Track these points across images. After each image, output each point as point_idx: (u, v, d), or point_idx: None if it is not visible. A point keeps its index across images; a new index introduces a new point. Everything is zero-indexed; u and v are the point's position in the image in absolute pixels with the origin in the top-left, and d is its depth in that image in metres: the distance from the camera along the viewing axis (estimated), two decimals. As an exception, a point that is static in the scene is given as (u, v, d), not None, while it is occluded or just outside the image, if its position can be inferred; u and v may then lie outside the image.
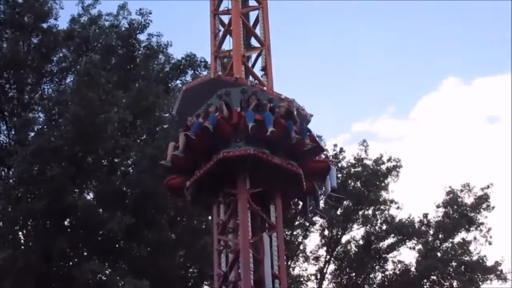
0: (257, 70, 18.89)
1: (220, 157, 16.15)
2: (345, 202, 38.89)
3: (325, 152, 17.84)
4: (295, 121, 16.71)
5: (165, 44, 34.86)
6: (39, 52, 33.76)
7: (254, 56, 19.29)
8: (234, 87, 17.15)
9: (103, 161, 31.17)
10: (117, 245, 30.14)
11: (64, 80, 34.60)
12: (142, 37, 34.49)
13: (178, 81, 35.25)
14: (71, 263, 29.70)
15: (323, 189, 17.91)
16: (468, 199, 39.99)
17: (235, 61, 18.37)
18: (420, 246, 39.37)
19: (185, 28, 66.24)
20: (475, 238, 39.48)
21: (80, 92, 28.89)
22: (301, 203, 19.78)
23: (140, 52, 34.52)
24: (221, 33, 19.50)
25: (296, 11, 67.78)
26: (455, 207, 39.68)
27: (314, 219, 28.04)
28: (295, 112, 16.96)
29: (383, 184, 39.33)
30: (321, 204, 22.03)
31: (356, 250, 39.84)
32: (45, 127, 31.21)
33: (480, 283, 38.49)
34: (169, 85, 34.62)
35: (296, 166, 16.74)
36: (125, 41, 33.90)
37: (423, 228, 39.41)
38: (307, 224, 36.77)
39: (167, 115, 32.25)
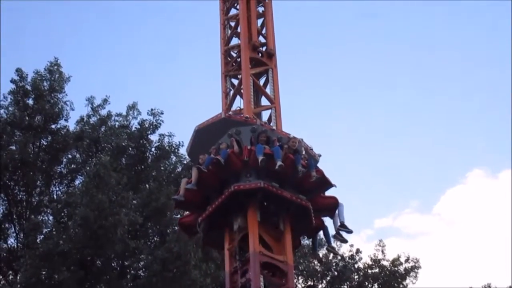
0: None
1: (231, 190, 16.60)
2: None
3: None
4: (303, 157, 17.22)
5: (176, 145, 34.51)
6: (48, 153, 33.56)
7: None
8: (244, 126, 17.63)
9: (112, 264, 30.47)
10: None
11: (73, 181, 34.29)
12: (154, 137, 34.21)
13: (190, 182, 34.66)
14: None
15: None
16: (490, 301, 39.07)
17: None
18: None
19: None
20: None
21: (89, 194, 28.44)
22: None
23: (151, 152, 34.11)
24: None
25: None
26: (476, 309, 38.76)
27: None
28: (304, 151, 17.54)
29: (401, 286, 38.42)
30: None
31: None
32: (53, 230, 30.56)
33: None
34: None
35: (305, 200, 17.17)
36: (135, 142, 33.55)
37: (444, 331, 38.37)
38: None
39: (178, 216, 31.64)
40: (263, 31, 20.87)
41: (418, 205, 73.27)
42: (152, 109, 34.23)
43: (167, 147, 34.25)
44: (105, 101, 35.45)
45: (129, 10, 75.95)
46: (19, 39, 72.33)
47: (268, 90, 19.74)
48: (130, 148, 33.67)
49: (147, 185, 32.28)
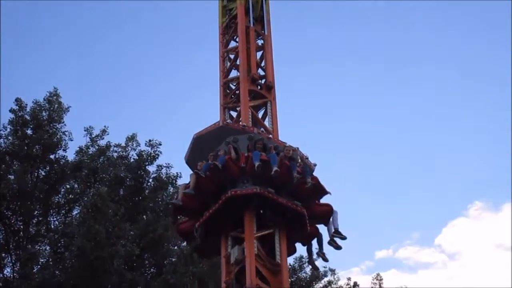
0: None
1: (228, 195, 16.96)
2: None
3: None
4: (299, 164, 17.58)
5: (174, 176, 34.47)
6: (46, 183, 33.47)
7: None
8: (241, 134, 18.05)
9: (109, 295, 30.18)
10: None
11: (71, 212, 34.16)
12: (151, 168, 34.23)
13: (187, 213, 34.59)
14: None
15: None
16: None
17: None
18: None
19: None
20: None
21: (87, 224, 28.37)
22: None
23: (149, 183, 34.08)
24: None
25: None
26: None
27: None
28: (299, 160, 17.87)
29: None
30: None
31: None
32: (50, 260, 30.46)
33: None
34: (178, 217, 33.92)
35: (300, 206, 17.45)
36: (133, 173, 33.53)
37: None
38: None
39: (175, 248, 31.57)
40: (262, 64, 20.96)
41: (419, 237, 73.17)
42: (150, 140, 34.35)
43: (164, 178, 34.22)
44: (103, 131, 35.47)
45: (129, 41, 76.42)
46: (19, 69, 72.61)
47: (266, 122, 19.76)
48: (128, 179, 33.63)
49: (144, 216, 32.22)
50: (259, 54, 21.11)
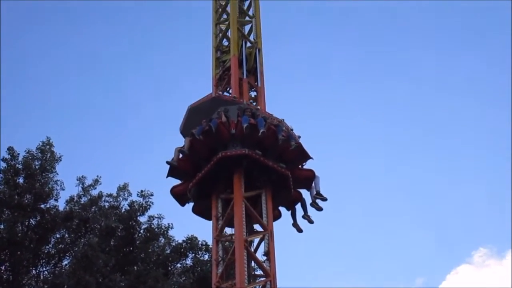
0: (259, 254, 18.50)
1: (219, 156, 18.37)
2: None
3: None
4: (284, 130, 18.99)
5: (166, 227, 34.34)
6: (37, 233, 33.18)
7: (256, 240, 18.83)
8: (232, 105, 19.50)
9: None
10: None
11: (61, 262, 33.83)
12: (143, 219, 34.06)
13: (178, 264, 34.40)
14: None
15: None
16: None
17: (236, 243, 17.91)
18: None
19: (187, 211, 66.02)
20: None
21: (77, 275, 28.15)
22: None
23: (140, 234, 33.89)
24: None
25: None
26: None
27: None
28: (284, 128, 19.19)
29: None
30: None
31: None
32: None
33: None
34: (169, 268, 33.76)
35: (285, 169, 18.82)
36: (125, 223, 33.36)
37: None
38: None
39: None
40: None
41: (422, 283, 72.31)
42: (142, 191, 34.26)
43: (156, 229, 34.06)
44: (96, 181, 35.32)
45: (123, 91, 76.52)
46: (12, 117, 72.56)
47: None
48: (119, 230, 33.44)
49: (135, 267, 31.95)
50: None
